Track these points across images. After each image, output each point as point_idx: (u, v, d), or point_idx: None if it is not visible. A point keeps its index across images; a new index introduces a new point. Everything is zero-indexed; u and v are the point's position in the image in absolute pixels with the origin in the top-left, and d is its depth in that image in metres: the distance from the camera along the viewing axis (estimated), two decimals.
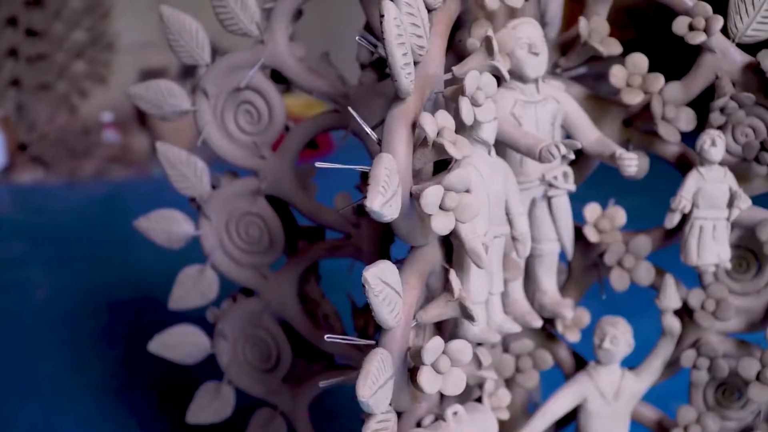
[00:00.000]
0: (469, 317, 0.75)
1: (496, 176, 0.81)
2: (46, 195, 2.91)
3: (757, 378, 0.90)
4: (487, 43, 0.77)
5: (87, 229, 2.47)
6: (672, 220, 0.89)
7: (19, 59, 3.18)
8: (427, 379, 0.71)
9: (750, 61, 0.87)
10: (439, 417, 0.81)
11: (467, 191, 0.72)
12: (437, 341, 0.71)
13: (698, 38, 0.85)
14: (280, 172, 1.02)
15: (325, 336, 0.75)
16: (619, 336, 0.92)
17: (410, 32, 0.73)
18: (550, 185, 0.89)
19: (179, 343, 1.11)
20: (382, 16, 0.67)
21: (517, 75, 0.87)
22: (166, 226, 1.08)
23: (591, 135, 0.90)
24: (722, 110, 0.86)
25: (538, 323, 0.90)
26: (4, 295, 2.11)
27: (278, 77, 1.02)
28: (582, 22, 0.87)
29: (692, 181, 0.88)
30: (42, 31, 3.18)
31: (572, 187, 0.90)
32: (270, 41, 0.98)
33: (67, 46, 3.27)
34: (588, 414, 0.95)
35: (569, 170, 0.90)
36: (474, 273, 0.80)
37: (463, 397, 0.94)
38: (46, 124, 3.16)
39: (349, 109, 0.74)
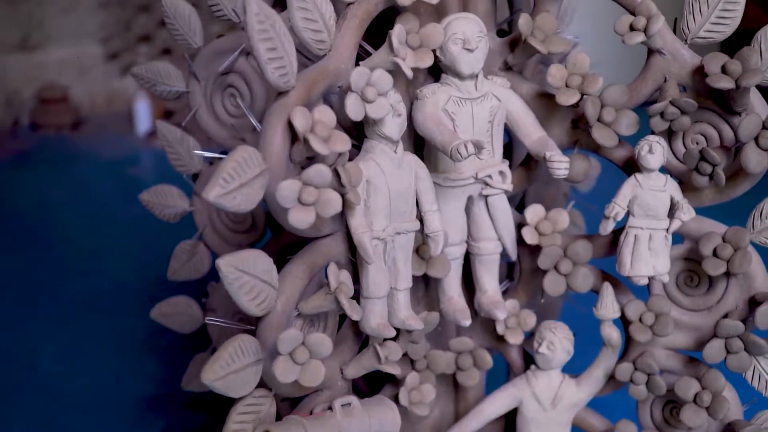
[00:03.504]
0: (344, 311, 0.75)
1: (402, 172, 0.80)
2: None
3: (694, 400, 0.85)
4: (389, 39, 0.77)
5: None
6: (606, 228, 0.85)
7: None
8: (281, 368, 0.72)
9: (700, 64, 0.82)
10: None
11: (346, 186, 0.72)
12: (292, 332, 0.72)
13: (636, 39, 0.81)
14: None
15: (206, 318, 0.77)
16: (556, 342, 0.89)
17: (303, 26, 0.74)
18: (486, 184, 0.87)
19: (175, 313, 1.16)
20: (245, 12, 0.68)
21: (453, 71, 0.85)
22: (163, 201, 1.14)
23: (533, 134, 0.86)
24: (662, 115, 0.82)
25: (466, 323, 0.88)
26: (109, 256, 2.24)
27: None
28: (522, 19, 0.84)
29: (628, 188, 0.83)
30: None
31: (509, 186, 0.87)
32: None
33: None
34: (524, 419, 0.92)
35: (506, 170, 0.87)
36: (373, 268, 0.80)
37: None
38: None
39: (239, 100, 0.75)
